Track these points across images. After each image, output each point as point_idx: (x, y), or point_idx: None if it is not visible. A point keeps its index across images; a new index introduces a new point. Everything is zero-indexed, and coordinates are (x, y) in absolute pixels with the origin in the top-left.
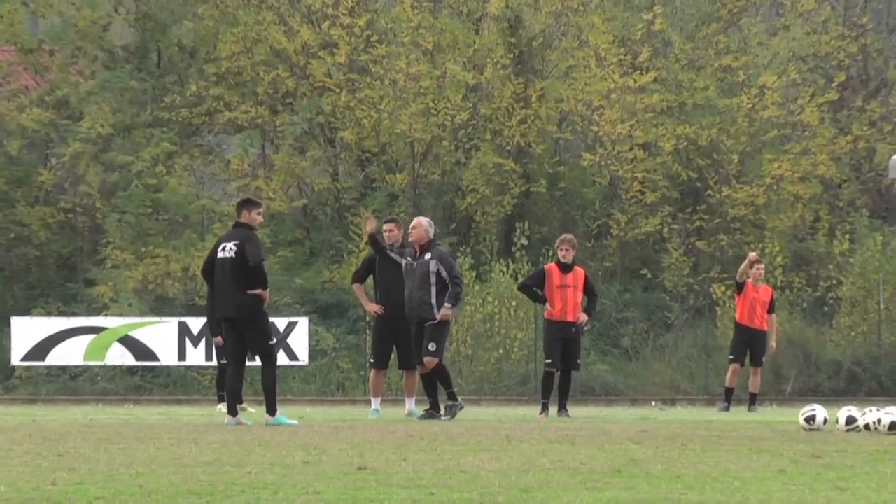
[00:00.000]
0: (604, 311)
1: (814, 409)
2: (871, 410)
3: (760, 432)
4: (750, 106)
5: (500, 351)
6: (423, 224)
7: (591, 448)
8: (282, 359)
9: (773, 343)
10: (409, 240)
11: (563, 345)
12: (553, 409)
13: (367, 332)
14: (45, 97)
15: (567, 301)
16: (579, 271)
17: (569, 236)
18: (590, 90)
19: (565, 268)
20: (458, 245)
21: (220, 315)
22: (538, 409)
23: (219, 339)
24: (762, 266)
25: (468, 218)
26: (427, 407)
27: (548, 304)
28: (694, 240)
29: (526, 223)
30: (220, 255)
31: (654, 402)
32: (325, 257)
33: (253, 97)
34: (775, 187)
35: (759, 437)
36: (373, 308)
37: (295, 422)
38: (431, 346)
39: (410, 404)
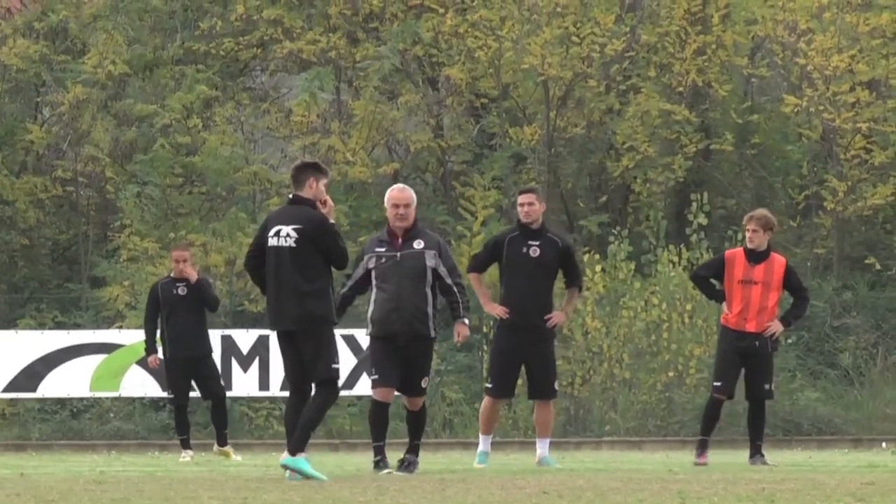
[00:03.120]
0: (814, 317)
1: None
2: None
3: None
4: None
5: (671, 373)
6: (414, 199)
7: None
8: (366, 386)
9: None
10: (397, 224)
11: (742, 363)
12: (742, 454)
13: (486, 346)
14: (34, 24)
15: (750, 303)
16: (778, 262)
17: (762, 212)
18: (794, 7)
19: (754, 256)
20: (611, 225)
21: (274, 327)
22: (724, 452)
23: (153, 358)
24: None
25: (624, 187)
26: (406, 452)
27: (725, 305)
28: None
29: (705, 194)
30: (271, 241)
31: (884, 444)
32: None
33: (323, 21)
34: None
35: None
36: (497, 310)
37: (322, 476)
38: (424, 383)
39: (543, 448)
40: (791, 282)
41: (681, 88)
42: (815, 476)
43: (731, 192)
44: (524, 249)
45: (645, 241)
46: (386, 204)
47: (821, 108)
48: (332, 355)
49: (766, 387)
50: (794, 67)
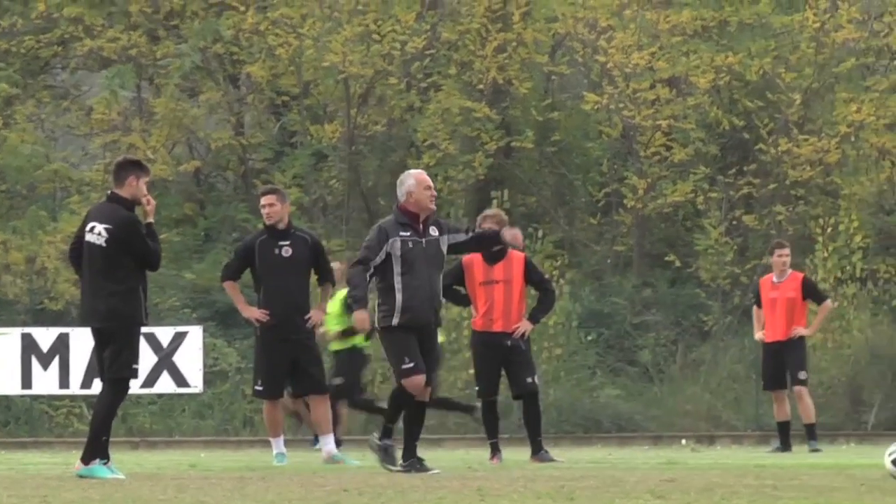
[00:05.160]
0: (614, 315)
1: None
2: None
3: (832, 480)
4: (817, 25)
5: (471, 371)
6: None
7: None
8: (165, 384)
9: (804, 331)
10: (430, 206)
11: (499, 365)
12: (550, 451)
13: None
14: None
15: (494, 303)
16: (516, 258)
17: (495, 210)
18: (594, 5)
19: (491, 256)
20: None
21: (84, 323)
22: (525, 450)
23: None
24: (786, 251)
25: None
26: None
27: (473, 308)
28: (740, 213)
29: (506, 191)
30: (87, 237)
31: (684, 441)
32: (225, 242)
33: (124, 19)
34: (853, 139)
35: (829, 486)
36: (255, 314)
37: (120, 475)
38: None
39: (328, 444)
40: (532, 276)
41: (481, 86)
42: (615, 473)
43: (532, 190)
44: (276, 251)
45: None
46: (411, 187)
47: (621, 105)
48: (134, 355)
49: (529, 380)
50: (595, 65)
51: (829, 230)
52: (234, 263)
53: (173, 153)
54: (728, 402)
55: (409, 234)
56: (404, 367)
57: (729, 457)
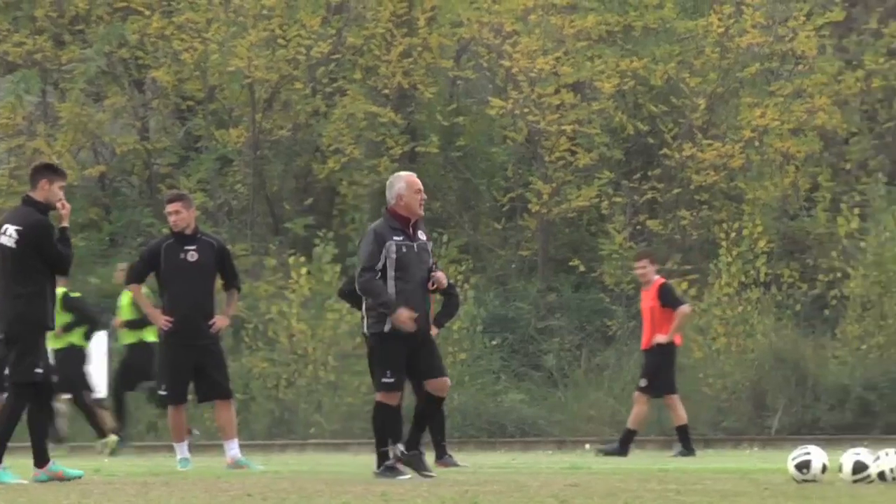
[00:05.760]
0: (519, 319)
1: (808, 453)
2: (887, 454)
3: (736, 485)
4: (722, 30)
5: None
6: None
7: None
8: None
9: (661, 338)
10: (419, 211)
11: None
12: (456, 456)
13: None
14: None
15: None
16: None
17: None
18: (499, 10)
19: None
20: (317, 227)
21: None
22: (429, 455)
23: None
24: (641, 263)
25: (330, 190)
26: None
27: None
28: (644, 218)
29: None
30: (1, 239)
31: (588, 445)
32: (130, 247)
33: (29, 23)
34: (757, 143)
35: (733, 491)
36: (160, 319)
37: (23, 479)
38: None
39: (233, 449)
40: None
41: (387, 91)
42: (519, 478)
43: (437, 195)
44: (181, 255)
45: (350, 244)
46: (401, 190)
47: (526, 110)
48: (37, 359)
49: None
50: (500, 70)
51: (732, 235)
52: (139, 266)
53: (78, 158)
54: (631, 406)
55: (401, 238)
56: (384, 380)
57: (632, 461)
